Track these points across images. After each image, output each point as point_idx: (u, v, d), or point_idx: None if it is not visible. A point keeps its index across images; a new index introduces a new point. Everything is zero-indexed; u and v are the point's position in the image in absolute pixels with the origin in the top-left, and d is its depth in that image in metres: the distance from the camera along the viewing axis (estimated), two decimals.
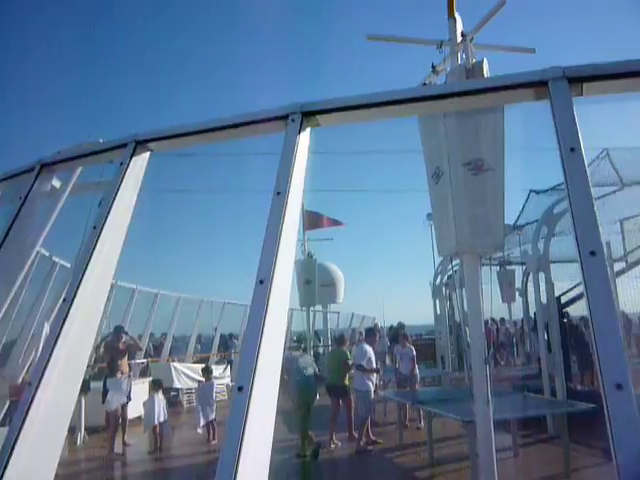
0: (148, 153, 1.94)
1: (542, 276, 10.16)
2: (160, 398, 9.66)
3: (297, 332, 19.90)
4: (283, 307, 1.35)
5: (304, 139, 1.66)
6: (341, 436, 9.55)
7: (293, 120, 1.68)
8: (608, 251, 10.17)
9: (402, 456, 8.68)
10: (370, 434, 9.35)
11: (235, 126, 1.82)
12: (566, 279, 10.57)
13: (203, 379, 10.51)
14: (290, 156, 1.57)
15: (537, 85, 1.50)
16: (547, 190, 11.99)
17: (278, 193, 1.48)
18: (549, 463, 7.78)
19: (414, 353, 11.16)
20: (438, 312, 17.47)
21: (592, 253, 1.13)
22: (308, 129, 1.71)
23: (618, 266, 11.06)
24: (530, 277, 11.51)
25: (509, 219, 11.97)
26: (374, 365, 9.58)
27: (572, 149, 1.29)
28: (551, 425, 8.92)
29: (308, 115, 1.71)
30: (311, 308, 17.27)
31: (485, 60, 4.70)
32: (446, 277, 16.73)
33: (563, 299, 10.87)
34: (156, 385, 9.96)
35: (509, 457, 7.77)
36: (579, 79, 1.46)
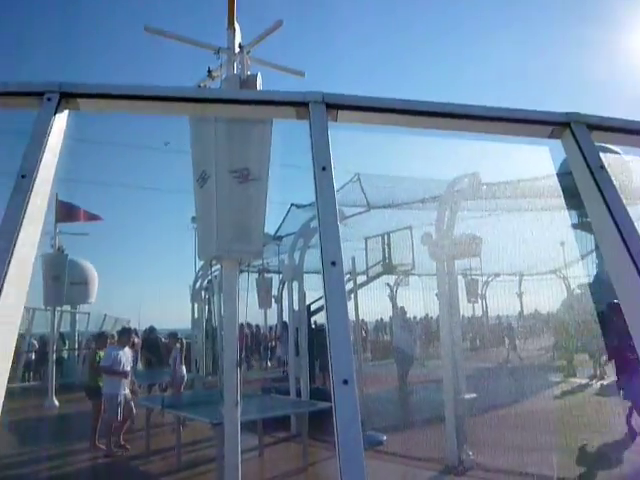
0: None
1: (296, 285, 10.88)
2: None
3: (39, 334, 18.06)
4: (19, 303, 1.20)
5: (60, 122, 1.50)
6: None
7: (49, 99, 1.51)
8: (353, 265, 11.28)
9: (148, 463, 8.42)
10: (113, 441, 8.90)
11: None
12: (317, 288, 11.48)
13: None
14: (42, 138, 1.40)
15: (300, 105, 1.61)
16: (306, 205, 12.80)
17: (23, 176, 1.32)
18: (291, 460, 8.33)
19: (178, 353, 11.19)
20: (196, 316, 17.47)
21: (333, 263, 1.25)
22: (66, 112, 1.56)
23: (361, 279, 12.37)
24: (286, 285, 12.23)
25: (270, 229, 12.57)
26: (126, 368, 9.17)
27: (324, 168, 1.41)
28: (294, 424, 9.53)
29: (68, 96, 1.56)
30: (58, 308, 15.90)
31: (259, 74, 4.90)
32: (206, 281, 16.82)
33: (313, 307, 11.79)
34: None
35: (254, 457, 8.09)
36: (335, 106, 1.60)
